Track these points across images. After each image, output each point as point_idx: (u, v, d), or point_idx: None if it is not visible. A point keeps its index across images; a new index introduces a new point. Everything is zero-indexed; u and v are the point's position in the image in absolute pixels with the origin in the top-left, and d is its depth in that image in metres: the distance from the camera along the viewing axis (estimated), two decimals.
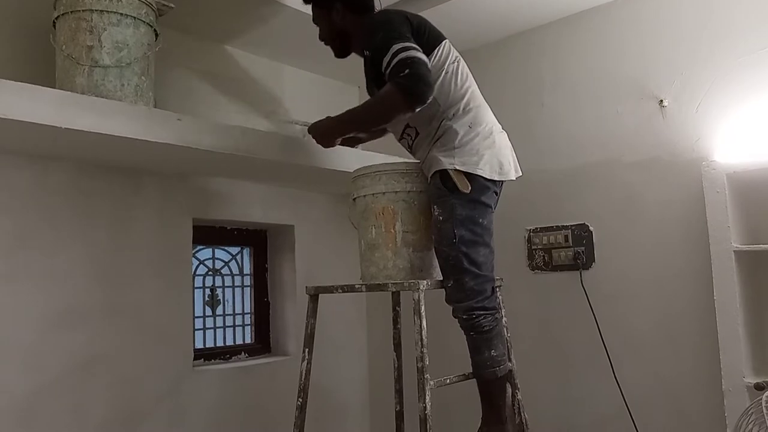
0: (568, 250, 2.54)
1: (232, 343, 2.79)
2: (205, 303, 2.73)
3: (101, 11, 1.89)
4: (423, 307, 1.78)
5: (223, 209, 2.58)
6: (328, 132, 2.02)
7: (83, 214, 2.14)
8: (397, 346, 2.34)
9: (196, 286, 2.63)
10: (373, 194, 1.99)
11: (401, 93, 1.75)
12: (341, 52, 2.13)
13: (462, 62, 1.98)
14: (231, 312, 2.82)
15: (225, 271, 2.82)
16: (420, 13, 2.05)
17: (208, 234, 2.68)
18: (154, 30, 2.06)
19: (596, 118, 2.53)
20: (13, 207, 1.99)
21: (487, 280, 1.85)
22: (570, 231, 2.54)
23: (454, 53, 1.96)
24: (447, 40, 1.96)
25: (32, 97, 1.62)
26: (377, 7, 2.06)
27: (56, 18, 1.94)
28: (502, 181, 1.91)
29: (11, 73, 1.78)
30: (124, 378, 2.18)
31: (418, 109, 1.78)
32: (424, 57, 1.76)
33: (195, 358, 2.46)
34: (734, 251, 2.07)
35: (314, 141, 2.05)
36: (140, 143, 1.85)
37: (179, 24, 2.41)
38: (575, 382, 2.50)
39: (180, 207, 2.42)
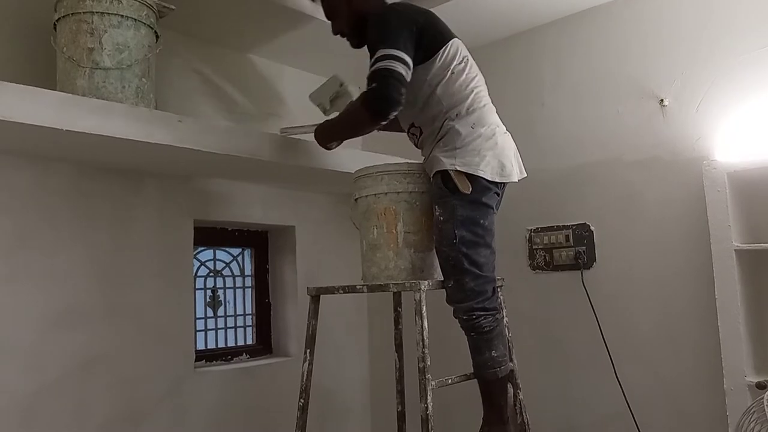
0: (569, 250, 2.54)
1: (233, 345, 2.79)
2: (206, 304, 2.73)
3: (102, 13, 1.89)
4: (424, 308, 1.78)
5: (224, 210, 2.58)
6: (322, 137, 2.06)
7: (84, 215, 2.14)
8: (399, 346, 2.34)
9: (197, 287, 2.62)
10: (375, 194, 1.99)
11: (365, 109, 1.80)
12: (358, 44, 2.07)
13: (470, 63, 1.96)
14: (232, 313, 2.82)
15: (226, 272, 2.82)
16: None
17: (209, 235, 2.68)
18: (155, 32, 2.06)
19: (597, 118, 2.53)
20: (13, 208, 1.99)
21: (488, 281, 1.85)
22: (571, 231, 2.54)
23: (462, 53, 1.95)
24: (455, 40, 1.95)
25: (33, 99, 1.62)
26: None
27: (57, 20, 1.94)
28: (504, 182, 1.91)
29: (12, 75, 1.78)
30: (125, 379, 2.18)
31: (383, 123, 1.82)
32: (401, 68, 1.75)
33: (196, 360, 2.46)
34: (735, 250, 2.07)
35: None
36: (141, 145, 1.86)
37: (180, 26, 2.41)
38: (576, 382, 2.50)
39: (181, 208, 2.42)
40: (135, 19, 1.95)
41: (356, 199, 2.08)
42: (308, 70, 2.99)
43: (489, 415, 1.88)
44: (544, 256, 2.61)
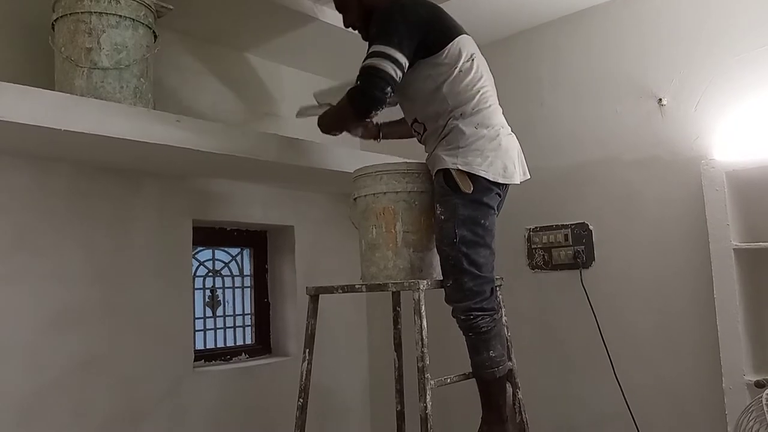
0: (567, 249, 2.54)
1: (232, 344, 2.79)
2: (205, 304, 2.73)
3: (100, 13, 1.89)
4: (423, 307, 1.78)
5: (222, 210, 2.58)
6: (322, 124, 2.05)
7: (83, 215, 2.14)
8: (398, 346, 2.34)
9: (196, 287, 2.63)
10: (374, 194, 1.99)
11: (349, 104, 1.84)
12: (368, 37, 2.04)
13: (478, 61, 1.94)
14: (231, 313, 2.82)
15: (225, 272, 2.82)
16: None
17: (208, 235, 2.68)
18: (153, 32, 2.06)
19: (596, 117, 2.53)
20: (12, 208, 1.99)
21: (487, 282, 1.85)
22: (570, 230, 2.54)
23: (470, 51, 1.92)
24: (463, 36, 1.92)
25: (31, 99, 1.62)
26: None
27: (55, 20, 1.94)
28: (507, 184, 1.91)
29: (10, 75, 1.78)
30: (124, 379, 2.18)
31: (366, 120, 1.86)
32: (388, 67, 1.76)
33: (195, 360, 2.46)
34: (734, 249, 2.07)
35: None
36: (139, 145, 1.86)
37: (178, 25, 2.41)
38: (576, 381, 2.50)
39: (180, 208, 2.42)
40: (133, 19, 1.95)
41: (355, 199, 2.08)
42: (306, 69, 3.00)
43: (488, 414, 1.88)
44: (543, 255, 2.61)
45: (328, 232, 2.95)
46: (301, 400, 2.04)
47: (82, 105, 1.72)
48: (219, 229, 2.74)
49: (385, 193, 1.97)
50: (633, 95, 2.43)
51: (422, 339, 1.76)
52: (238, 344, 2.81)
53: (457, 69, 1.88)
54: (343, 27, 2.11)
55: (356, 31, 2.07)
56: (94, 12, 1.89)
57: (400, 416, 2.35)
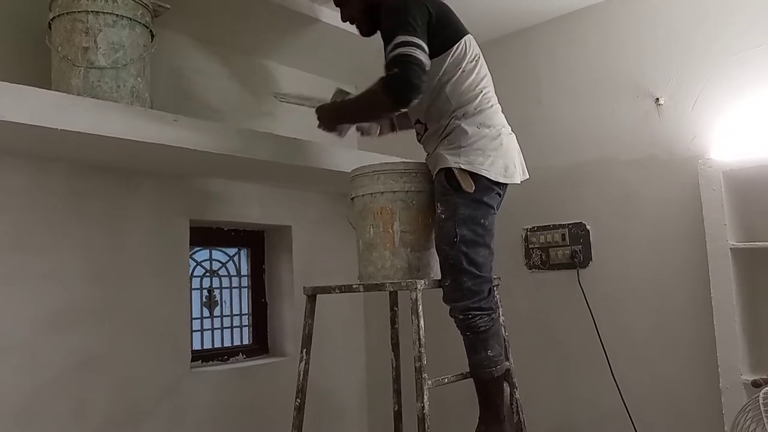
0: (565, 249, 2.54)
1: (229, 345, 2.78)
2: (202, 304, 2.72)
3: (97, 12, 1.89)
4: (420, 307, 1.78)
5: (219, 210, 2.57)
6: (327, 118, 2.04)
7: (80, 215, 2.13)
8: (395, 345, 2.34)
9: (193, 287, 2.62)
10: (371, 194, 1.99)
11: (385, 93, 1.76)
12: (368, 31, 2.03)
13: (481, 61, 1.94)
14: (228, 313, 2.81)
15: (222, 272, 2.82)
16: None
17: (205, 235, 2.68)
18: (150, 31, 2.05)
19: (593, 117, 2.53)
20: (9, 208, 1.98)
21: (485, 281, 1.85)
22: (567, 230, 2.54)
23: (474, 51, 1.93)
24: (468, 36, 1.92)
25: (28, 98, 1.62)
26: None
27: (52, 19, 1.93)
28: (507, 184, 1.91)
29: (6, 74, 1.77)
30: (122, 379, 2.18)
31: (403, 110, 1.79)
32: (422, 56, 1.73)
33: (192, 360, 2.45)
34: (730, 249, 2.08)
35: (318, 123, 2.06)
36: (136, 144, 1.85)
37: (175, 25, 2.40)
38: (573, 381, 2.51)
39: (177, 208, 2.41)
40: (130, 18, 1.95)
41: (352, 199, 2.08)
42: (304, 69, 2.99)
43: (485, 414, 1.88)
44: (541, 255, 2.61)
45: (326, 231, 2.95)
46: (299, 400, 2.04)
47: (78, 104, 1.71)
48: (216, 229, 2.74)
49: (382, 192, 1.97)
50: (630, 95, 2.44)
51: (419, 339, 1.76)
52: (235, 344, 2.80)
53: (461, 69, 1.88)
54: (341, 22, 2.08)
55: (354, 25, 2.05)
56: (91, 11, 1.88)
57: (398, 416, 2.35)
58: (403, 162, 2.04)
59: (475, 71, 1.91)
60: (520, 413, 2.06)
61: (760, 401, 1.52)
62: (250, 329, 2.87)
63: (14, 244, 1.98)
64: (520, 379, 2.10)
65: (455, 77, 1.87)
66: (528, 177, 2.01)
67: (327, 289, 2.02)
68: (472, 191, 1.81)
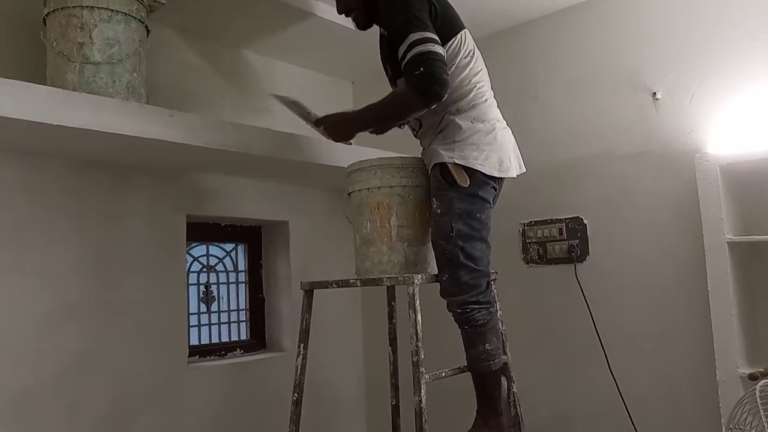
0: (562, 243, 2.54)
1: (227, 340, 2.78)
2: (199, 300, 2.72)
3: (92, 7, 1.88)
4: (418, 302, 1.78)
5: (216, 205, 2.57)
6: (345, 128, 1.99)
7: (75, 211, 2.13)
8: (393, 340, 2.35)
9: (190, 282, 2.62)
10: (368, 189, 1.99)
11: (416, 93, 1.76)
12: (365, 24, 2.03)
13: (476, 56, 1.94)
14: (226, 308, 2.81)
15: (219, 267, 2.81)
16: None
17: (202, 230, 2.67)
18: (146, 26, 2.04)
19: (590, 111, 2.53)
20: (3, 204, 1.97)
21: (483, 275, 1.85)
22: (564, 224, 2.55)
23: (469, 46, 1.92)
24: (465, 31, 1.92)
25: (23, 94, 1.61)
26: None
27: (47, 14, 1.93)
28: (502, 178, 1.91)
29: (1, 69, 1.78)
30: (119, 375, 2.18)
31: (434, 106, 1.78)
32: (440, 50, 1.74)
33: (190, 355, 2.46)
34: (728, 242, 2.08)
35: (325, 135, 2.02)
36: (132, 140, 1.85)
37: (171, 20, 2.40)
38: (570, 375, 2.51)
39: (173, 203, 2.41)
40: (125, 14, 1.94)
41: (349, 194, 2.08)
42: (301, 65, 2.99)
43: (483, 408, 1.88)
44: (538, 249, 2.61)
45: (323, 227, 2.95)
46: (296, 394, 2.04)
47: (74, 100, 1.71)
48: (213, 224, 2.73)
49: (379, 187, 1.97)
50: (627, 89, 2.43)
51: (417, 333, 1.76)
52: (232, 340, 2.80)
53: (455, 65, 1.87)
54: (337, 15, 2.07)
55: (350, 18, 2.03)
56: (86, 6, 1.88)
57: (395, 410, 2.35)
58: (400, 157, 2.03)
59: (469, 66, 1.90)
60: (518, 406, 2.06)
61: (757, 394, 1.52)
62: (248, 324, 2.87)
63: (9, 240, 1.97)
64: (518, 372, 2.11)
65: (449, 72, 1.87)
66: (525, 171, 2.01)
67: (324, 284, 2.02)
68: (467, 186, 1.81)
